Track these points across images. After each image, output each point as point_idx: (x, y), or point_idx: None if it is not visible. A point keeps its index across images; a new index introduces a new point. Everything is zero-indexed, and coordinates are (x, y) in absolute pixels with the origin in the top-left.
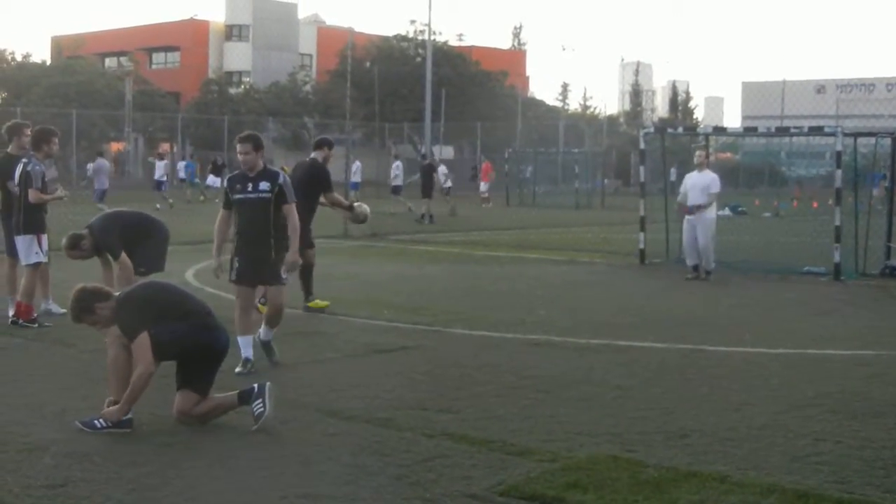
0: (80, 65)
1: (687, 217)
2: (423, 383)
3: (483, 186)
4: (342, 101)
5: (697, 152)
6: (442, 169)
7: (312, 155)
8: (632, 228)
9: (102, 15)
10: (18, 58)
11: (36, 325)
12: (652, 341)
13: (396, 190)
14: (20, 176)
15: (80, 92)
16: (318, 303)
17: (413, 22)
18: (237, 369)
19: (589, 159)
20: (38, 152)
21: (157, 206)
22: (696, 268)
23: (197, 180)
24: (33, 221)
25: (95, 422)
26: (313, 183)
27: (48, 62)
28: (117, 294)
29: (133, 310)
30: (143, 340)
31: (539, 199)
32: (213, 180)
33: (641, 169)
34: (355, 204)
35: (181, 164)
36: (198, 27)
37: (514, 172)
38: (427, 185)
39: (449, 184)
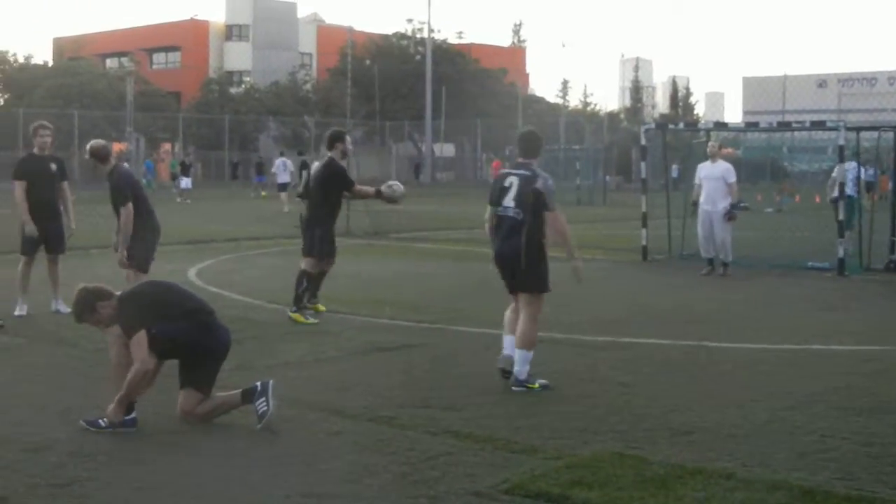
0: (82, 66)
1: (704, 209)
2: (427, 381)
3: None
4: (342, 100)
5: (710, 142)
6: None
7: (329, 154)
8: (634, 225)
9: (103, 16)
10: (20, 59)
11: None
12: (655, 338)
13: (282, 187)
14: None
15: (82, 93)
16: (300, 318)
17: (411, 20)
18: None
19: (590, 156)
20: None
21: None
22: (711, 261)
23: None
24: None
25: (100, 421)
26: (331, 184)
27: (50, 63)
28: (119, 293)
29: (134, 307)
30: (141, 337)
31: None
32: (185, 182)
33: (643, 165)
34: (383, 188)
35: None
36: (198, 27)
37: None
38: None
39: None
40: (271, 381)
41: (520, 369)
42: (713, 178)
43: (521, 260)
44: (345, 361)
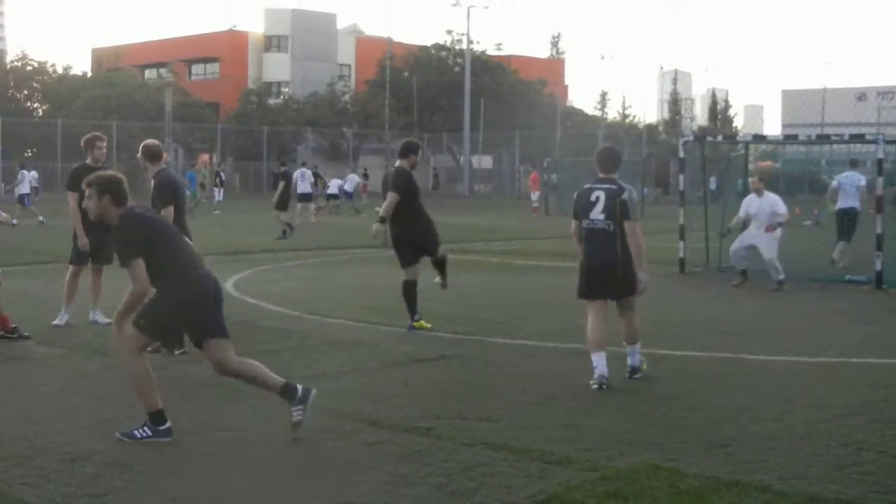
0: (120, 77)
1: (753, 233)
2: (463, 392)
3: (533, 196)
4: (381, 111)
5: (751, 179)
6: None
7: (398, 163)
8: (671, 237)
9: (142, 27)
10: (59, 70)
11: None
12: (692, 350)
13: (304, 198)
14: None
15: (120, 104)
16: (423, 324)
17: (450, 32)
18: None
19: (628, 168)
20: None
21: None
22: (744, 273)
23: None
24: None
25: (136, 432)
26: (404, 187)
27: (89, 74)
28: (125, 212)
29: (133, 230)
30: (140, 265)
31: None
32: (218, 193)
33: (681, 177)
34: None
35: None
36: (237, 38)
37: (553, 181)
38: (283, 195)
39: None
40: (313, 391)
41: (636, 359)
42: (764, 213)
43: (619, 268)
44: (381, 372)
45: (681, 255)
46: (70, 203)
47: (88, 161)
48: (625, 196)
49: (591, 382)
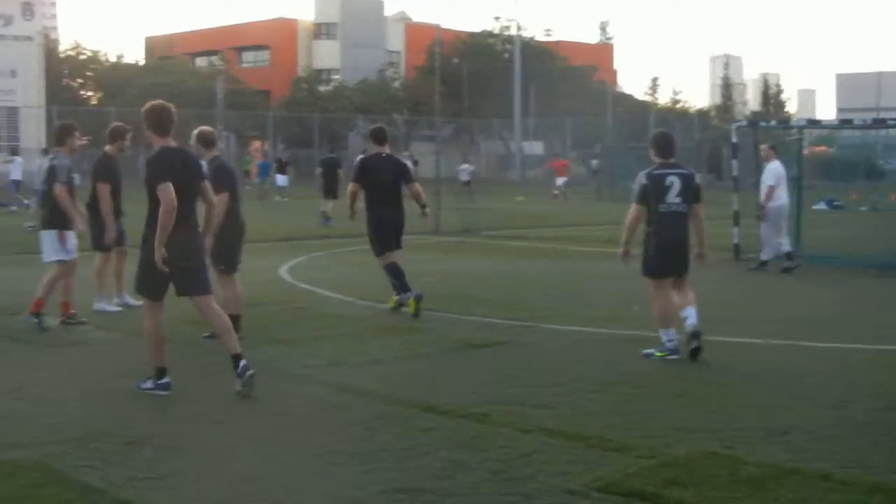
0: (172, 65)
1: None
2: (518, 378)
3: (558, 182)
4: (431, 98)
5: (762, 146)
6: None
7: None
8: (724, 223)
9: (193, 15)
10: (112, 59)
11: (36, 320)
12: (748, 337)
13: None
14: (47, 171)
15: (172, 92)
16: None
17: (499, 18)
18: None
19: (680, 154)
20: (63, 147)
21: None
22: (789, 255)
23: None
24: (58, 217)
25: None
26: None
27: (141, 63)
28: (159, 150)
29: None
30: (168, 186)
31: (630, 194)
32: (281, 180)
33: (734, 163)
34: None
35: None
36: (287, 26)
37: (593, 167)
38: (331, 183)
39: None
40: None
41: (695, 318)
42: (764, 183)
43: (688, 247)
44: (437, 358)
45: (735, 241)
46: (100, 192)
47: (109, 150)
48: (698, 180)
49: (662, 355)
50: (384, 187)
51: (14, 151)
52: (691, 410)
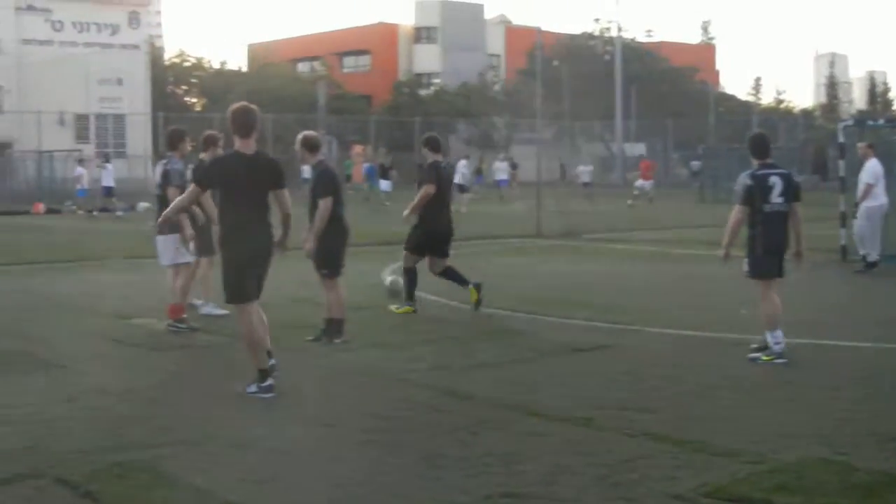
0: (274, 71)
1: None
2: (623, 383)
3: (639, 183)
4: (531, 100)
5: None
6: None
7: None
8: (830, 224)
9: (294, 22)
10: (216, 66)
11: (185, 326)
12: (857, 340)
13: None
14: (161, 176)
15: (275, 97)
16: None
17: (598, 20)
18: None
19: (784, 154)
20: (175, 152)
21: None
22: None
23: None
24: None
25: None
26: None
27: (244, 69)
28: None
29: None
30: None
31: (733, 196)
32: (385, 185)
33: (841, 163)
34: None
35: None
36: (387, 30)
37: (694, 168)
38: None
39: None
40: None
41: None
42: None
43: (787, 246)
44: (540, 362)
45: (842, 242)
46: (202, 199)
47: (203, 157)
48: (798, 180)
49: (769, 359)
50: (445, 195)
51: (106, 158)
52: (799, 415)
